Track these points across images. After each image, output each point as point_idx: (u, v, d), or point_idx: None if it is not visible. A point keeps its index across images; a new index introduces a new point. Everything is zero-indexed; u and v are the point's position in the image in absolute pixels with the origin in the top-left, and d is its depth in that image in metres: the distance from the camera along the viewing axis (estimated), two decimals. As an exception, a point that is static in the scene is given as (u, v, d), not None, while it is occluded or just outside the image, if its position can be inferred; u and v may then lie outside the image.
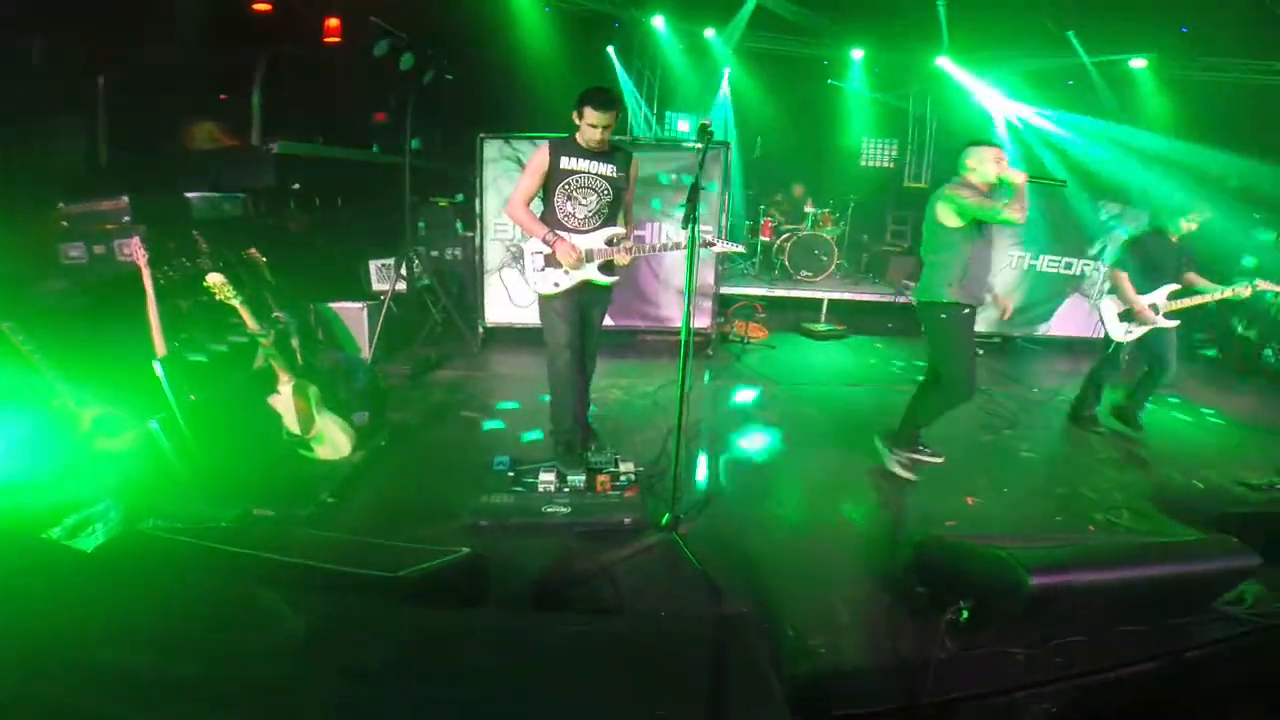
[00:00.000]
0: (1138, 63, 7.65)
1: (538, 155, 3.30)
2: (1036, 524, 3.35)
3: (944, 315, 3.51)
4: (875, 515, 3.34)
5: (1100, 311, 4.64)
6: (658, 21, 8.65)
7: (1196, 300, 4.39)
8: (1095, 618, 2.42)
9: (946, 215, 3.42)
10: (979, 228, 3.42)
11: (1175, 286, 4.41)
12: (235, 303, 3.10)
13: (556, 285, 3.37)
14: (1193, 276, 4.45)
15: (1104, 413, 4.77)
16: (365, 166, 6.63)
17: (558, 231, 3.32)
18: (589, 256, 3.35)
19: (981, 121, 9.13)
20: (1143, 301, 4.36)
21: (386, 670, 1.17)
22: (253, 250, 3.97)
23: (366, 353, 5.06)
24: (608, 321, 5.87)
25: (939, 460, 3.84)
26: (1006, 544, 2.36)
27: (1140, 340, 4.48)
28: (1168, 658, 2.41)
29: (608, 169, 3.29)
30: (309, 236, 5.78)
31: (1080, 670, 2.29)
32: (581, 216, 3.33)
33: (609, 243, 3.37)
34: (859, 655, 2.31)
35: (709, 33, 8.91)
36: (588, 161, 3.27)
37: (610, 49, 9.22)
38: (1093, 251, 7.15)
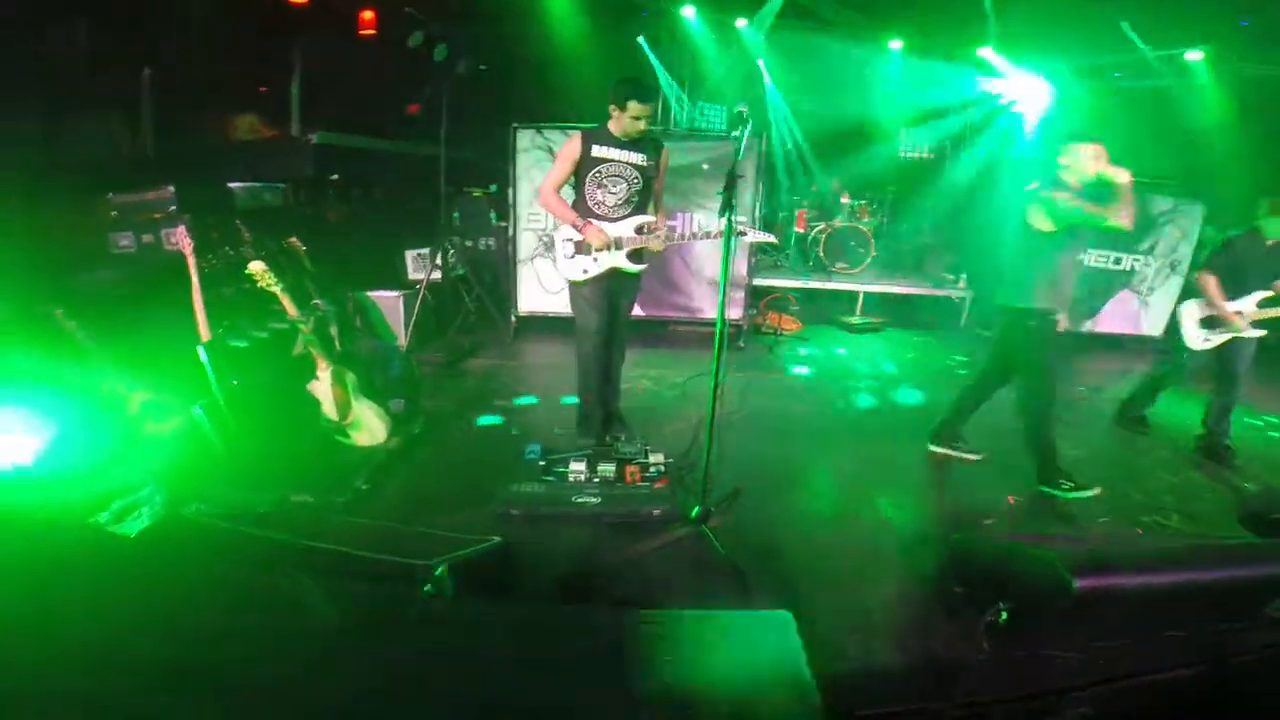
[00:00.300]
0: (1193, 55, 7.30)
1: (570, 144, 3.40)
2: (1080, 524, 3.25)
3: (1033, 323, 3.36)
4: (910, 511, 3.27)
5: (1179, 316, 4.27)
6: (688, 11, 8.55)
7: None
8: (1141, 622, 2.32)
9: (1039, 218, 3.25)
10: (1073, 233, 3.26)
11: (1267, 293, 4.03)
12: (276, 290, 3.16)
13: (586, 272, 3.48)
14: None
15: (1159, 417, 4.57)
16: (401, 157, 6.70)
17: (588, 219, 3.40)
18: (618, 244, 3.42)
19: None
20: (1231, 308, 4.02)
21: (414, 661, 1.17)
22: (293, 239, 4.04)
23: (402, 341, 5.13)
24: (638, 311, 5.91)
25: (977, 457, 3.75)
26: (1048, 544, 2.29)
27: (1217, 350, 4.14)
28: (1210, 663, 2.31)
29: (638, 158, 3.37)
30: (347, 226, 5.88)
31: (1119, 674, 2.21)
32: (611, 204, 3.41)
33: (639, 231, 3.43)
34: (891, 654, 2.27)
35: (740, 22, 8.77)
36: (619, 150, 3.35)
37: (640, 39, 9.14)
38: (1143, 247, 6.88)
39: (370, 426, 3.51)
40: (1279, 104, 7.07)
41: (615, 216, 3.43)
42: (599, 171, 3.37)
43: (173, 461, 3.11)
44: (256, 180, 4.87)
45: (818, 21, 8.65)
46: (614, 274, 3.49)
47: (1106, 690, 2.18)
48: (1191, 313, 4.21)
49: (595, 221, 3.40)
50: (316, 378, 3.39)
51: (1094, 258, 6.85)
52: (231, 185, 4.63)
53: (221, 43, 5.42)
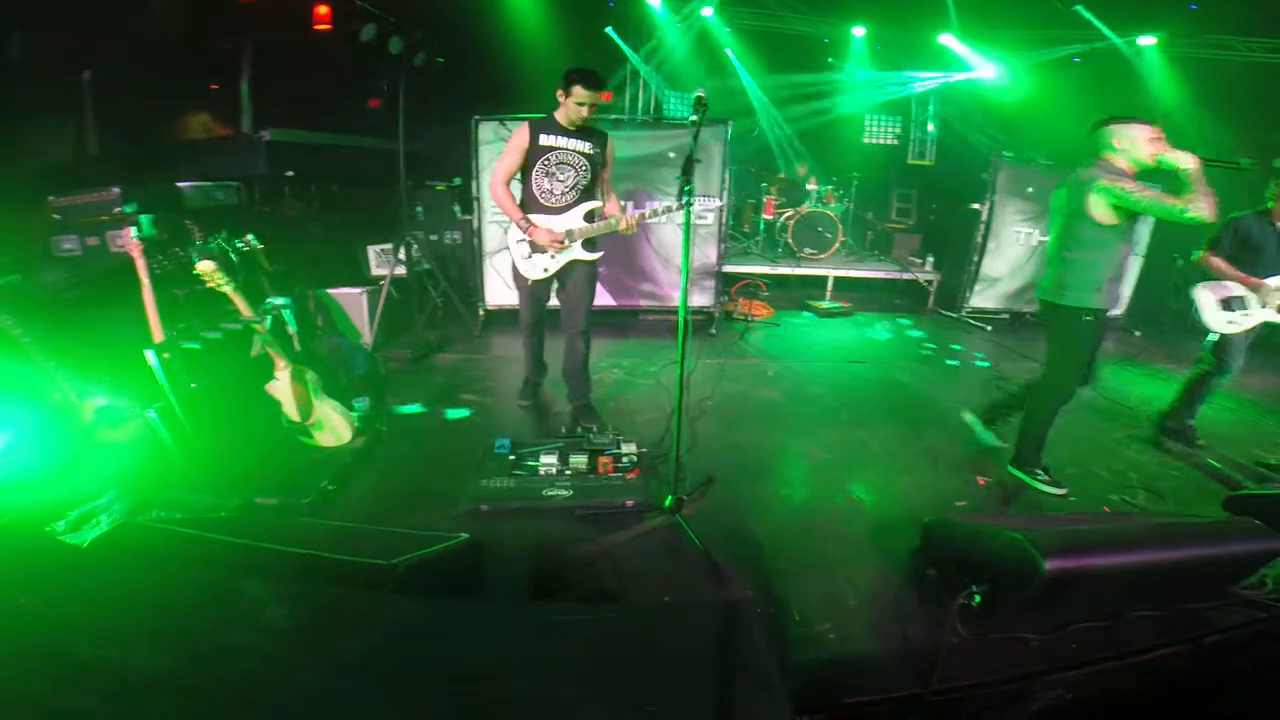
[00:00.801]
0: (1146, 40, 7.46)
1: (518, 134, 3.47)
2: (1049, 505, 3.28)
3: (1088, 318, 3.11)
4: (883, 495, 3.28)
5: (1196, 301, 3.86)
6: (654, 1, 8.49)
7: None
8: (1112, 602, 2.35)
9: (1100, 209, 2.91)
10: (1135, 222, 3.00)
11: None
12: (228, 290, 3.06)
13: (546, 270, 3.58)
14: None
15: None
16: (360, 152, 6.56)
17: (532, 215, 3.49)
18: (570, 236, 3.50)
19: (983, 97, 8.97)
20: (1253, 280, 3.69)
21: (370, 661, 1.13)
22: (248, 238, 3.92)
23: (367, 338, 5.02)
24: (609, 301, 5.94)
25: (1060, 491, 3.39)
26: (1018, 525, 2.30)
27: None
28: (1186, 643, 2.34)
29: (586, 145, 3.46)
30: (306, 223, 5.73)
31: (1096, 656, 2.23)
32: (559, 193, 3.48)
33: (587, 218, 3.52)
34: (867, 641, 2.26)
35: (706, 11, 8.74)
36: (566, 139, 3.42)
37: (609, 29, 9.06)
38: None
39: (334, 426, 3.42)
40: (1228, 88, 7.25)
41: (562, 205, 3.49)
42: (547, 159, 3.43)
43: (131, 468, 3.02)
44: (208, 179, 4.71)
45: (782, 8, 8.64)
46: (571, 264, 3.58)
47: (1084, 673, 2.20)
48: (1208, 296, 3.85)
49: (540, 217, 3.48)
50: (275, 378, 3.29)
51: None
52: (180, 185, 4.47)
53: (169, 42, 5.23)
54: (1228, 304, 3.76)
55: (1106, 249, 3.00)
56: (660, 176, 5.82)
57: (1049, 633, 2.29)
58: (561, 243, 3.48)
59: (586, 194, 3.54)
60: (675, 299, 6.05)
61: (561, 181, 3.46)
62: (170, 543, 2.07)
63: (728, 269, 6.72)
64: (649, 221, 5.37)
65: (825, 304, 7.08)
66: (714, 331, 6.04)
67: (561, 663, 1.15)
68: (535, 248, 3.51)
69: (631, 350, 5.36)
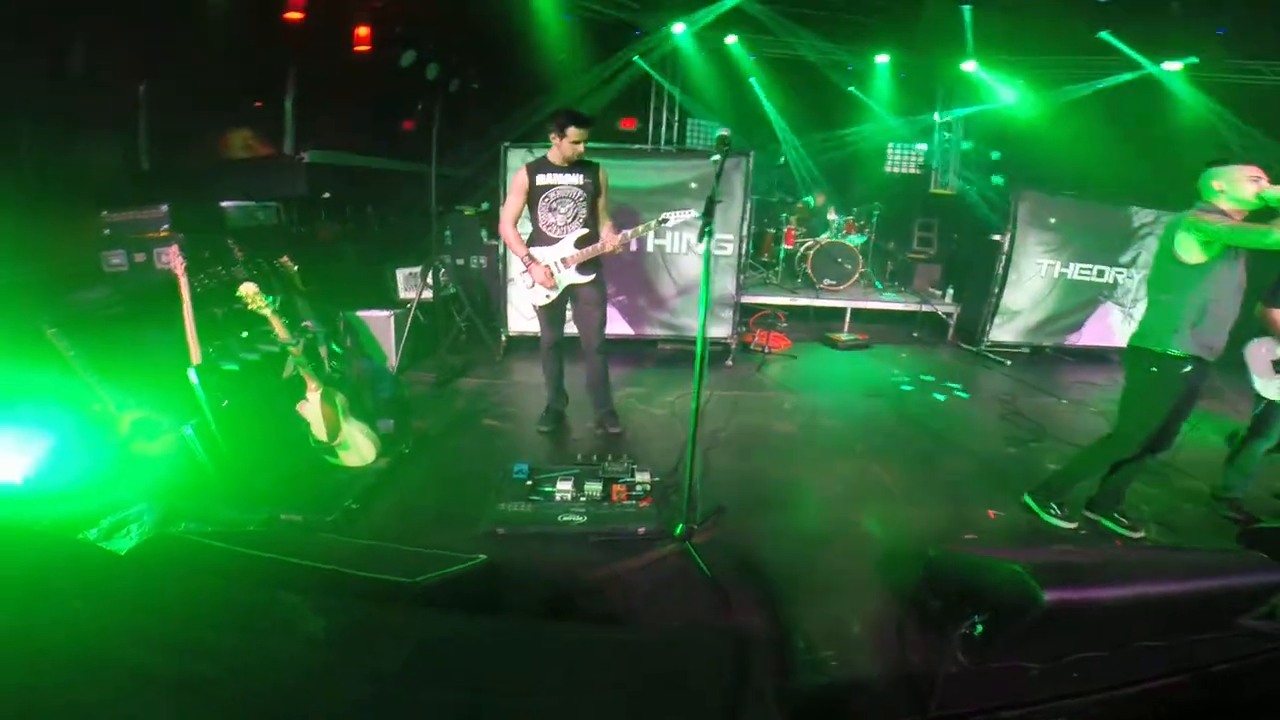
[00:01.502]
0: (1172, 65, 7.46)
1: (517, 178, 3.84)
2: (1058, 538, 3.30)
3: (1154, 369, 2.97)
4: (892, 527, 3.31)
5: (1246, 360, 3.53)
6: (678, 28, 8.69)
7: None
8: (1113, 634, 2.34)
9: (1186, 247, 2.84)
10: (1231, 261, 2.82)
11: None
12: (267, 312, 3.19)
13: (548, 297, 3.91)
14: None
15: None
16: (394, 175, 6.76)
17: (536, 248, 3.84)
18: (564, 264, 3.83)
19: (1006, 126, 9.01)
20: None
21: (403, 674, 1.21)
22: (285, 259, 4.08)
23: (393, 360, 5.16)
24: (625, 330, 6.06)
25: (1139, 535, 3.32)
26: (1023, 557, 2.32)
27: None
28: (1192, 672, 2.34)
29: (578, 178, 3.78)
30: (339, 245, 5.92)
31: (1098, 685, 2.23)
32: (561, 224, 3.82)
33: (577, 244, 3.82)
34: (870, 668, 2.30)
35: (730, 39, 8.92)
36: (560, 175, 3.77)
37: (636, 58, 9.28)
38: (1125, 259, 7.00)
39: (359, 447, 3.54)
40: (1255, 113, 7.22)
41: (564, 235, 3.83)
42: (547, 196, 3.78)
43: (163, 480, 3.15)
44: (250, 199, 4.91)
45: (804, 34, 8.80)
46: (570, 290, 3.91)
47: (1085, 701, 2.20)
48: (1262, 354, 3.49)
49: (542, 250, 3.84)
50: (306, 399, 3.42)
51: (1076, 271, 6.97)
52: (224, 204, 4.67)
53: (220, 56, 5.46)
54: None
55: (1191, 289, 2.87)
56: (681, 206, 5.90)
57: (1050, 662, 2.28)
58: (550, 281, 3.81)
59: (587, 222, 3.84)
60: (692, 329, 6.14)
61: (562, 213, 3.80)
62: (201, 555, 2.18)
63: (746, 299, 6.79)
64: (669, 252, 5.50)
65: (844, 336, 7.11)
66: (730, 363, 6.10)
67: (578, 680, 1.22)
68: (546, 281, 3.83)
69: (648, 379, 5.44)
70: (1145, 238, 6.93)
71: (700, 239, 2.65)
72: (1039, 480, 3.55)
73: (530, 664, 1.28)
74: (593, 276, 3.89)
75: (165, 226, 4.27)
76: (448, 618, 1.56)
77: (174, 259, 3.39)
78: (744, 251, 6.27)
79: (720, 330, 6.19)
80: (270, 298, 3.21)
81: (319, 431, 3.46)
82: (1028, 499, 3.49)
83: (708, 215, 2.64)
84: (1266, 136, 7.12)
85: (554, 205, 3.78)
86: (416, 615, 1.52)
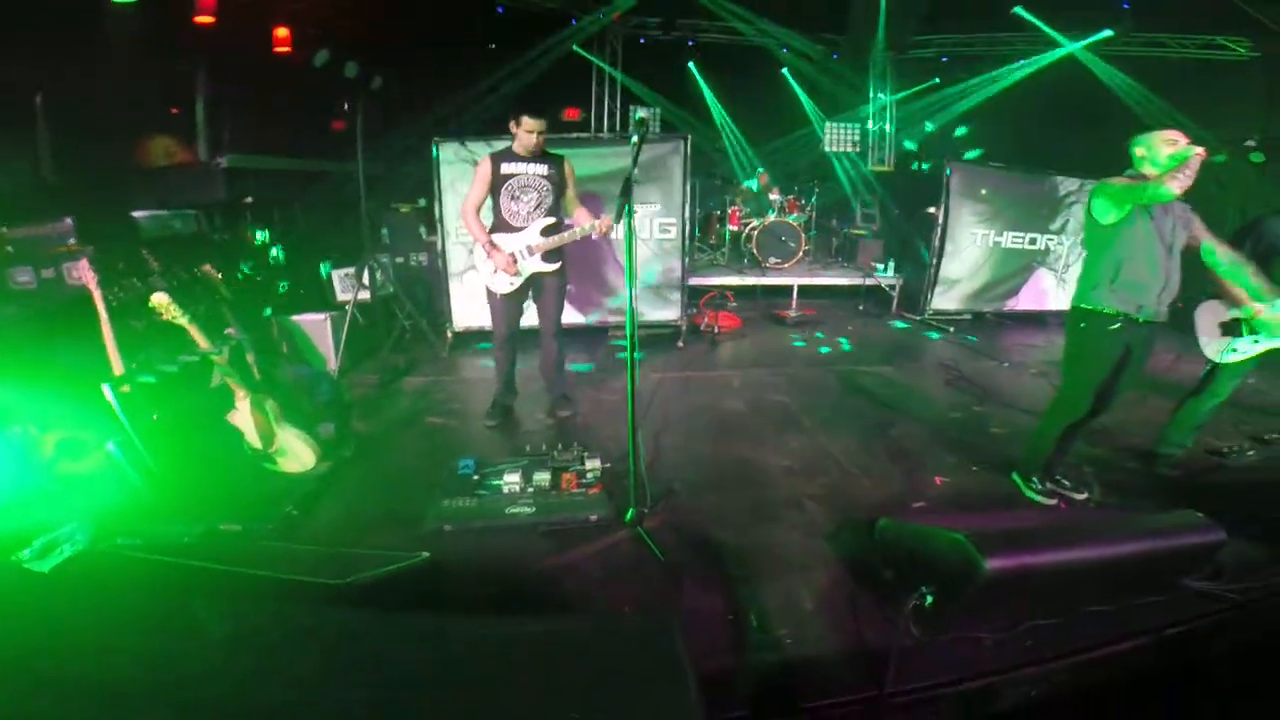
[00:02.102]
0: (1089, 39, 7.75)
1: (481, 166, 3.84)
2: (1006, 503, 3.35)
3: (1083, 324, 3.12)
4: (843, 499, 3.34)
5: (1195, 321, 3.56)
6: (616, 17, 8.63)
7: None
8: (1061, 600, 2.36)
9: (1101, 209, 3.00)
10: (1143, 221, 2.93)
11: None
12: (183, 322, 3.06)
13: (512, 284, 3.86)
14: None
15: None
16: (321, 176, 6.54)
17: (495, 236, 3.82)
18: (529, 252, 3.82)
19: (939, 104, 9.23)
20: (1264, 308, 3.27)
21: (312, 675, 1.18)
22: (207, 267, 3.92)
23: (333, 363, 5.00)
24: (576, 318, 5.98)
25: (1081, 497, 3.39)
26: (968, 524, 2.32)
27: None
28: (1145, 636, 2.37)
29: (544, 169, 3.80)
30: (267, 250, 5.70)
31: (1054, 653, 2.26)
32: (524, 214, 3.82)
33: (543, 233, 3.81)
34: (825, 644, 2.29)
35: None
36: (525, 165, 3.78)
37: (576, 47, 9.17)
38: (1054, 226, 7.26)
39: (297, 453, 3.42)
40: (1170, 84, 7.55)
41: (527, 225, 3.82)
42: (510, 185, 3.78)
43: (96, 499, 3.00)
44: (165, 208, 4.68)
45: (740, 21, 8.83)
46: (534, 278, 3.90)
47: (1044, 669, 2.22)
48: (1208, 316, 3.52)
49: (503, 237, 3.82)
50: (235, 408, 3.29)
51: (1009, 239, 7.19)
52: (136, 214, 4.44)
53: (124, 66, 5.19)
54: (1231, 328, 3.44)
55: (1107, 249, 3.01)
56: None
57: (1003, 631, 2.31)
58: (513, 268, 3.77)
59: (550, 212, 3.83)
60: (641, 313, 6.12)
61: (525, 202, 3.79)
62: (128, 568, 2.12)
63: (694, 281, 6.82)
64: (614, 238, 5.45)
65: (792, 313, 7.20)
66: (680, 345, 6.11)
67: (484, 674, 1.20)
68: (509, 268, 3.79)
69: (599, 366, 5.40)
70: (1072, 205, 7.20)
71: (617, 220, 2.62)
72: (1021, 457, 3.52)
73: (450, 659, 1.25)
74: (558, 265, 3.92)
75: (72, 240, 4.04)
76: (368, 617, 1.52)
77: (85, 273, 3.22)
78: (688, 234, 6.27)
79: (669, 313, 6.19)
80: (184, 307, 3.06)
81: (253, 439, 3.34)
82: (1014, 476, 3.50)
83: (624, 195, 2.61)
84: (1172, 107, 7.45)
85: (516, 194, 3.78)
86: (334, 616, 1.47)
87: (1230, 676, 2.37)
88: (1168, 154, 2.86)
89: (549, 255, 3.86)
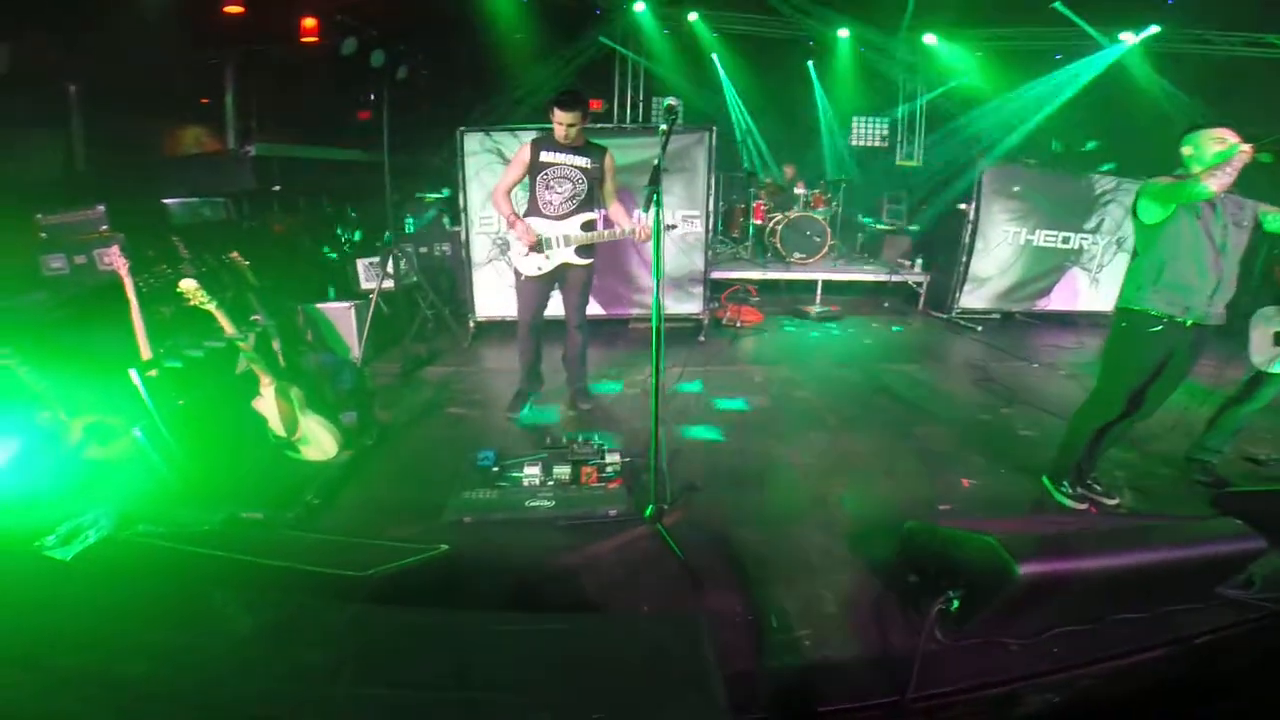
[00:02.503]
0: (1128, 36, 7.51)
1: (521, 150, 3.82)
2: (1035, 506, 3.27)
3: (1124, 324, 3.05)
4: (868, 499, 3.28)
5: (1250, 330, 3.47)
6: (639, 7, 8.55)
7: None
8: (1091, 607, 2.30)
9: (1144, 209, 2.92)
10: (1189, 220, 2.84)
11: None
12: (211, 308, 3.09)
13: (540, 269, 3.86)
14: None
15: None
16: (348, 165, 6.59)
17: (531, 220, 3.78)
18: (566, 240, 3.81)
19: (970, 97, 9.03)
20: None
21: (331, 669, 1.17)
22: (235, 254, 3.95)
23: (356, 352, 5.03)
24: (597, 310, 5.97)
25: (1113, 502, 3.31)
26: (1000, 528, 2.26)
27: None
28: (1175, 645, 2.31)
29: (583, 161, 3.76)
30: (294, 237, 5.76)
31: (1082, 660, 2.21)
32: (557, 204, 3.78)
33: (584, 228, 3.80)
34: (846, 647, 2.25)
35: (692, 16, 8.80)
36: (564, 155, 3.74)
37: (603, 38, 9.12)
38: (1089, 225, 7.06)
39: (320, 441, 3.44)
40: (1211, 83, 7.30)
41: (560, 214, 3.78)
42: (547, 174, 3.75)
43: (119, 484, 3.04)
44: (195, 195, 4.74)
45: (766, 12, 8.71)
46: (563, 268, 3.88)
47: (1069, 676, 2.17)
48: (1265, 325, 3.40)
49: (537, 221, 3.78)
50: (260, 394, 3.31)
51: (1042, 237, 7.02)
52: (167, 201, 4.50)
53: (155, 55, 5.26)
54: None
55: (1150, 249, 2.95)
56: (643, 181, 5.83)
57: (1030, 637, 2.26)
58: (536, 244, 3.75)
59: (585, 205, 3.82)
60: (666, 306, 6.07)
61: (559, 193, 3.76)
62: (151, 556, 2.13)
63: (717, 275, 6.76)
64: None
65: (815, 308, 7.11)
66: (703, 339, 6.05)
67: (511, 672, 1.19)
68: (534, 247, 3.78)
69: (620, 359, 5.37)
70: (1107, 204, 6.99)
71: (645, 209, 2.59)
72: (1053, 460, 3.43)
73: (470, 657, 1.23)
74: (590, 260, 3.92)
75: (104, 227, 4.11)
76: (387, 614, 1.51)
77: (116, 259, 3.28)
78: (712, 227, 6.20)
79: (691, 306, 6.14)
80: (212, 293, 3.09)
81: (277, 427, 3.36)
82: (1044, 479, 3.42)
83: (653, 183, 2.57)
84: (1206, 105, 7.18)
85: (551, 184, 3.76)
86: (354, 610, 1.47)
87: (1259, 687, 2.29)
88: (1214, 151, 2.75)
89: (582, 249, 3.86)
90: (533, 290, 3.91)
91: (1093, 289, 7.22)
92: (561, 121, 3.59)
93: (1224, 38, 7.08)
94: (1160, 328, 2.92)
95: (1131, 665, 2.24)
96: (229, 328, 3.15)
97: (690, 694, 1.12)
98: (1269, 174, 2.80)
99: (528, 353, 4.13)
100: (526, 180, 3.84)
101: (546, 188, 3.76)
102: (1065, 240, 7.06)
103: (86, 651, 1.37)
